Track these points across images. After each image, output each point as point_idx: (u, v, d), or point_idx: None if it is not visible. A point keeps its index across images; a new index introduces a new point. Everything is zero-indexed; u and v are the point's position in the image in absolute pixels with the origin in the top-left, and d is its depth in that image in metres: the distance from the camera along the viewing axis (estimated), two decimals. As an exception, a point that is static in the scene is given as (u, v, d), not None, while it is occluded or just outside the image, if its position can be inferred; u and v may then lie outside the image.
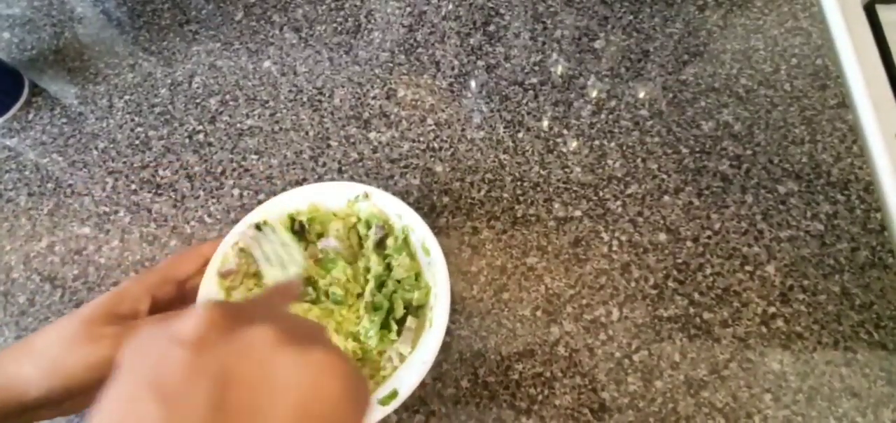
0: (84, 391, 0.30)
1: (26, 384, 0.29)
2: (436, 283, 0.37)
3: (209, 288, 0.37)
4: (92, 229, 0.47)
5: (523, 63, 0.52)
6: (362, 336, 0.36)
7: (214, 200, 0.48)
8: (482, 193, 0.46)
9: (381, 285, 0.37)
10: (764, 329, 0.39)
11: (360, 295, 0.38)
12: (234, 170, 0.49)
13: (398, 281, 0.38)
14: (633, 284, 0.41)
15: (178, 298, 0.36)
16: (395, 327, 0.36)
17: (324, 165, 0.49)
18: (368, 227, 0.40)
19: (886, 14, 0.52)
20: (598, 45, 0.53)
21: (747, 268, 0.41)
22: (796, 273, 0.41)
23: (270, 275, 0.37)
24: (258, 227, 0.39)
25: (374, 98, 0.52)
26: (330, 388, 0.17)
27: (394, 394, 0.34)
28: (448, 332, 0.40)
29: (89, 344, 0.30)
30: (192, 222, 0.47)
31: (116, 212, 0.48)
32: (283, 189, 0.47)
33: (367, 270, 0.38)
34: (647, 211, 0.44)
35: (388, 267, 0.38)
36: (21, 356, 0.30)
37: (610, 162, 0.46)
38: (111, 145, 0.52)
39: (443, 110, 0.50)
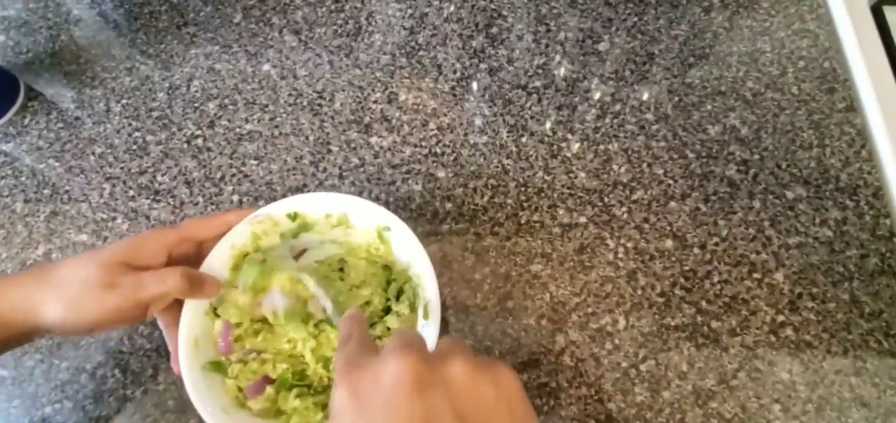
0: (94, 328, 0.32)
1: (44, 309, 0.31)
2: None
3: (217, 257, 0.36)
4: (89, 236, 0.47)
5: (526, 66, 0.51)
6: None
7: (213, 207, 0.47)
8: (485, 199, 0.45)
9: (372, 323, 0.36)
10: (773, 338, 0.38)
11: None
12: (233, 175, 0.48)
13: (388, 329, 0.36)
14: (639, 292, 0.40)
15: (195, 257, 0.36)
16: None
17: (324, 170, 0.48)
18: (391, 287, 0.37)
19: (894, 16, 0.52)
20: (602, 47, 0.52)
21: (755, 275, 0.40)
22: (805, 281, 0.40)
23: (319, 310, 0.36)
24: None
25: (375, 102, 0.51)
26: (517, 391, 0.21)
27: None
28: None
29: (104, 290, 0.31)
30: (190, 229, 0.46)
31: (114, 219, 0.47)
32: (283, 195, 0.47)
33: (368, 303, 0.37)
34: (653, 217, 0.43)
35: (387, 309, 0.37)
36: (42, 282, 0.32)
37: (615, 167, 0.46)
38: (108, 150, 0.51)
39: (445, 114, 0.50)
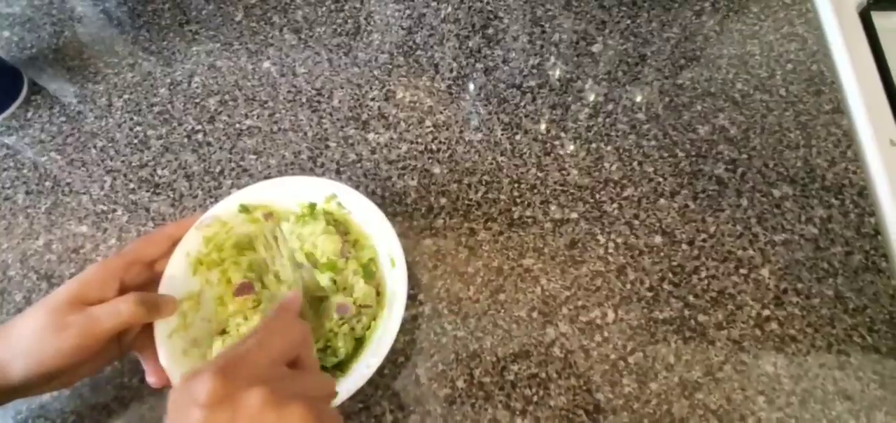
0: (60, 375, 0.32)
1: (7, 368, 0.31)
2: (394, 296, 0.36)
3: (175, 269, 0.36)
4: (89, 227, 0.47)
5: (521, 66, 0.53)
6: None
7: (213, 200, 0.48)
8: (479, 194, 0.46)
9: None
10: (758, 332, 0.39)
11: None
12: (232, 170, 0.49)
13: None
14: (628, 286, 0.41)
15: (148, 280, 0.36)
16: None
17: (322, 165, 0.49)
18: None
19: (881, 20, 0.53)
20: (595, 49, 0.53)
21: (742, 271, 0.41)
22: (790, 276, 0.41)
23: (285, 274, 0.38)
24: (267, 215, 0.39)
25: (372, 100, 0.52)
26: None
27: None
28: (444, 332, 0.41)
29: (57, 333, 0.31)
30: (189, 222, 0.47)
31: (114, 211, 0.48)
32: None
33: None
34: (642, 214, 0.44)
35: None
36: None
37: (606, 165, 0.47)
38: (110, 144, 0.52)
39: (441, 112, 0.51)
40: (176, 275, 0.37)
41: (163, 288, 0.36)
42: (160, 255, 0.37)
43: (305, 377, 0.28)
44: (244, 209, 0.40)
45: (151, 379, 0.35)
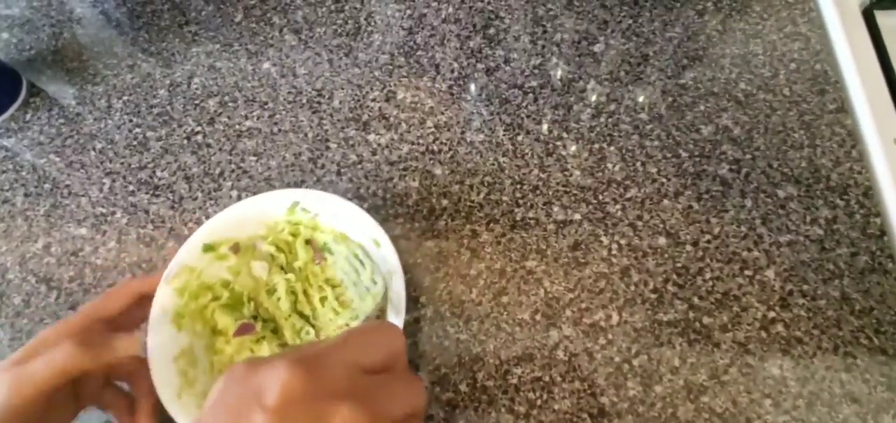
0: None
1: None
2: (390, 277, 0.36)
3: (159, 335, 0.34)
4: (89, 230, 0.47)
5: (523, 66, 0.52)
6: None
7: (212, 202, 0.47)
8: (481, 196, 0.46)
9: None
10: (764, 334, 0.39)
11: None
12: (232, 171, 0.49)
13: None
14: (632, 288, 0.41)
15: (107, 334, 0.32)
16: None
17: (322, 166, 0.48)
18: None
19: (885, 19, 0.52)
20: (597, 48, 0.53)
21: (747, 272, 0.41)
22: (796, 278, 0.41)
23: (354, 298, 0.37)
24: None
25: (373, 100, 0.51)
26: None
27: None
28: (446, 335, 0.40)
29: (16, 398, 0.28)
30: (189, 224, 0.47)
31: (113, 213, 0.48)
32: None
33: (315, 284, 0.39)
34: (646, 215, 0.44)
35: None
36: None
37: (609, 166, 0.46)
38: (109, 146, 0.51)
39: (442, 113, 0.50)
40: (164, 341, 0.34)
41: (152, 357, 0.33)
42: (120, 310, 0.34)
43: (400, 388, 0.22)
44: (209, 248, 0.38)
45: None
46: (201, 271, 0.37)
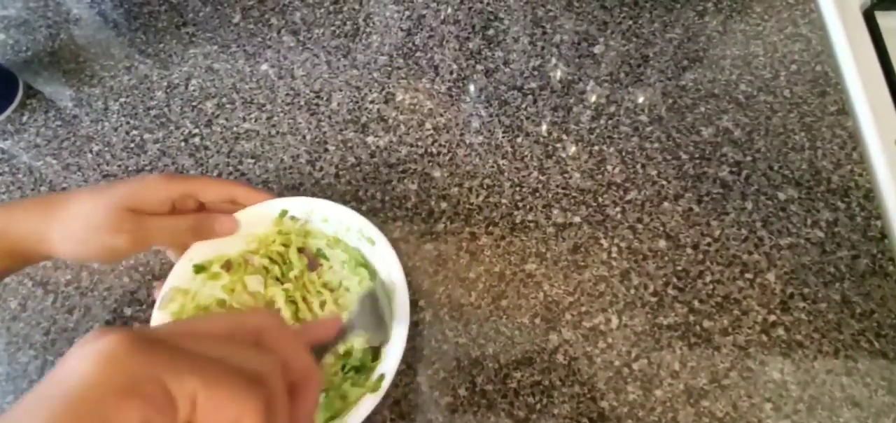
0: (102, 262, 0.36)
1: (52, 242, 0.33)
2: (390, 279, 0.36)
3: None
4: (86, 233, 0.47)
5: (522, 68, 0.52)
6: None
7: (210, 205, 0.47)
8: (480, 198, 0.45)
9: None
10: (764, 338, 0.39)
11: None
12: (230, 174, 0.49)
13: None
14: (632, 291, 0.41)
15: (198, 210, 0.36)
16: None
17: (321, 169, 0.48)
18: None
19: (885, 20, 0.52)
20: (597, 50, 0.52)
21: (747, 275, 0.41)
22: (797, 281, 0.40)
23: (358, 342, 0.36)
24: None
25: (371, 102, 0.51)
26: None
27: (381, 378, 0.33)
28: (445, 339, 0.40)
29: (110, 233, 0.32)
30: (187, 227, 0.46)
31: (111, 216, 0.47)
32: (280, 194, 0.47)
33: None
34: (646, 217, 0.43)
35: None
36: (50, 217, 0.33)
37: (609, 168, 0.46)
38: (106, 148, 0.51)
39: (441, 115, 0.50)
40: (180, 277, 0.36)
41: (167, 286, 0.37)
42: (216, 201, 0.36)
43: (264, 356, 0.20)
44: (200, 269, 0.37)
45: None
46: (195, 292, 0.37)
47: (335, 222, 0.39)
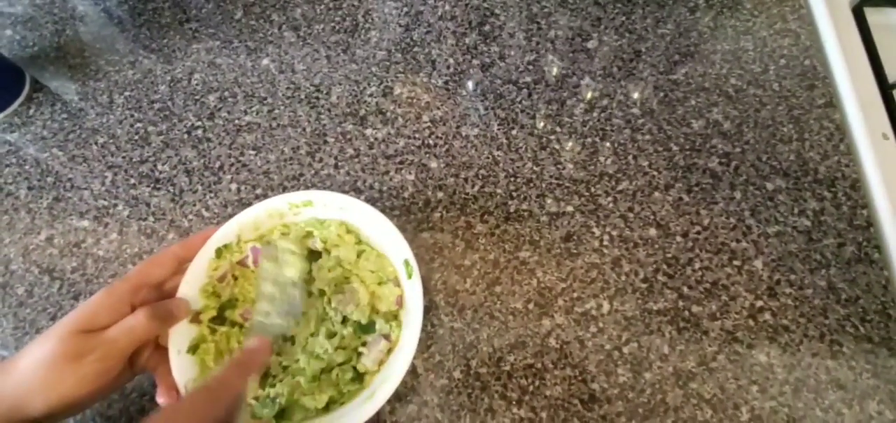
0: (79, 403, 0.31)
1: (25, 405, 0.30)
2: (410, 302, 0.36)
3: (188, 290, 0.36)
4: (91, 222, 0.48)
5: (518, 62, 0.53)
6: (320, 352, 0.36)
7: (212, 195, 0.48)
8: (476, 188, 0.46)
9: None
10: (751, 322, 0.40)
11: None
12: (231, 165, 0.50)
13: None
14: (623, 278, 0.42)
15: (158, 300, 0.35)
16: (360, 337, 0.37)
17: (320, 160, 0.49)
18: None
19: (874, 16, 0.53)
20: (591, 45, 0.53)
21: (735, 263, 0.42)
22: (783, 268, 0.41)
23: (261, 312, 0.36)
24: (267, 243, 0.38)
25: (370, 96, 0.52)
26: None
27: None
28: (441, 324, 0.41)
29: (75, 362, 0.30)
30: (190, 216, 0.48)
31: (115, 206, 0.49)
32: (280, 185, 0.48)
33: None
34: (637, 207, 0.45)
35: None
36: (12, 379, 0.30)
37: (602, 159, 0.47)
38: (111, 140, 0.52)
39: (438, 108, 0.51)
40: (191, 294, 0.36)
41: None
42: (167, 276, 0.36)
43: None
44: (220, 253, 0.38)
45: (162, 399, 0.34)
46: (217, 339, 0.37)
47: (330, 210, 0.40)
